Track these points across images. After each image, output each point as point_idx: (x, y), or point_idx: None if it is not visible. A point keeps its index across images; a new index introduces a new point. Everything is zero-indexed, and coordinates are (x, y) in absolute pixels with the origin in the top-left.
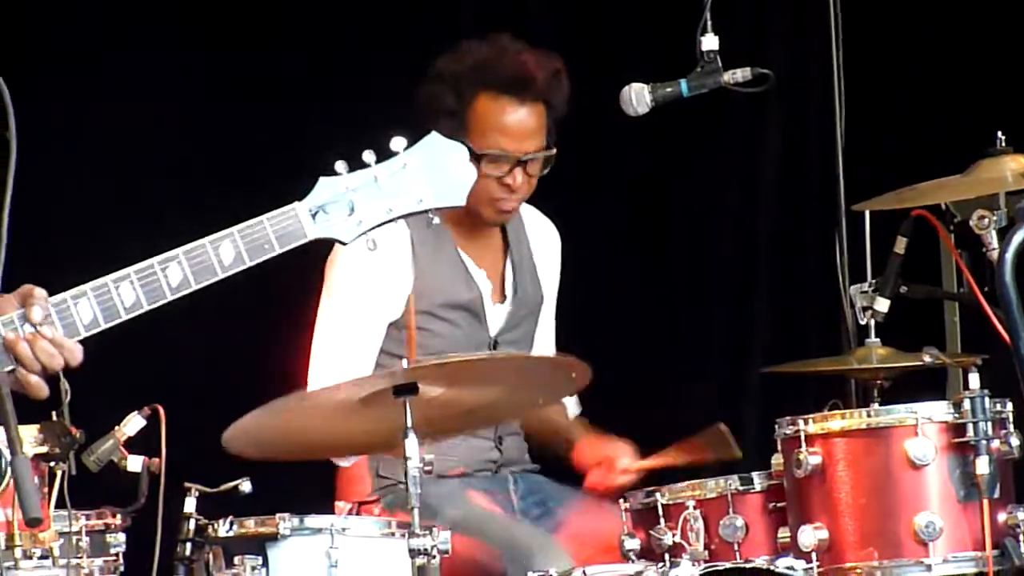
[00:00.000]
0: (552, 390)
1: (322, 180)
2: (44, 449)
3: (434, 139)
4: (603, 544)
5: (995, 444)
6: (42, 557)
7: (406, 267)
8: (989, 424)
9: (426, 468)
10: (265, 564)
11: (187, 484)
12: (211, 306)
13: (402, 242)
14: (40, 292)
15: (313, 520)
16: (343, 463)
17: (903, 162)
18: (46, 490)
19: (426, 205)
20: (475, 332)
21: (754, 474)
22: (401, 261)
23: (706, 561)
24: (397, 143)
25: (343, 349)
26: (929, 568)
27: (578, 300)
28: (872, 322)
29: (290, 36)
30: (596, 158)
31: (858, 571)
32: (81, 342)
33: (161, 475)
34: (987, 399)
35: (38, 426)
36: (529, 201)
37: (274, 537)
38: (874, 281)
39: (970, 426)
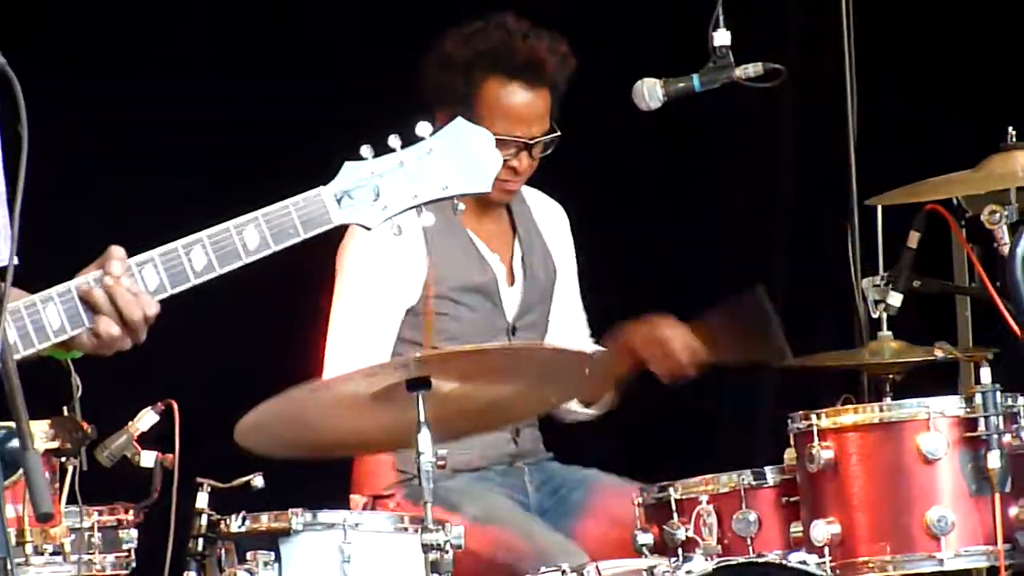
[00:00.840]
0: (570, 384)
1: (347, 164)
2: (55, 444)
3: (460, 124)
4: (615, 522)
5: (1007, 438)
6: (53, 553)
7: (420, 251)
8: (1000, 418)
9: (439, 463)
10: (278, 560)
11: (199, 479)
12: (226, 298)
13: (414, 231)
14: (119, 251)
15: (326, 515)
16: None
17: (915, 157)
18: (57, 485)
19: (452, 191)
20: (492, 316)
21: (767, 468)
22: (415, 245)
23: (719, 556)
24: (423, 128)
25: (359, 336)
26: (941, 562)
27: (592, 293)
28: (884, 316)
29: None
30: (608, 152)
31: (870, 565)
32: None
33: (174, 471)
34: (998, 393)
35: (49, 421)
36: (537, 187)
37: (287, 532)
38: (887, 275)
39: (982, 420)
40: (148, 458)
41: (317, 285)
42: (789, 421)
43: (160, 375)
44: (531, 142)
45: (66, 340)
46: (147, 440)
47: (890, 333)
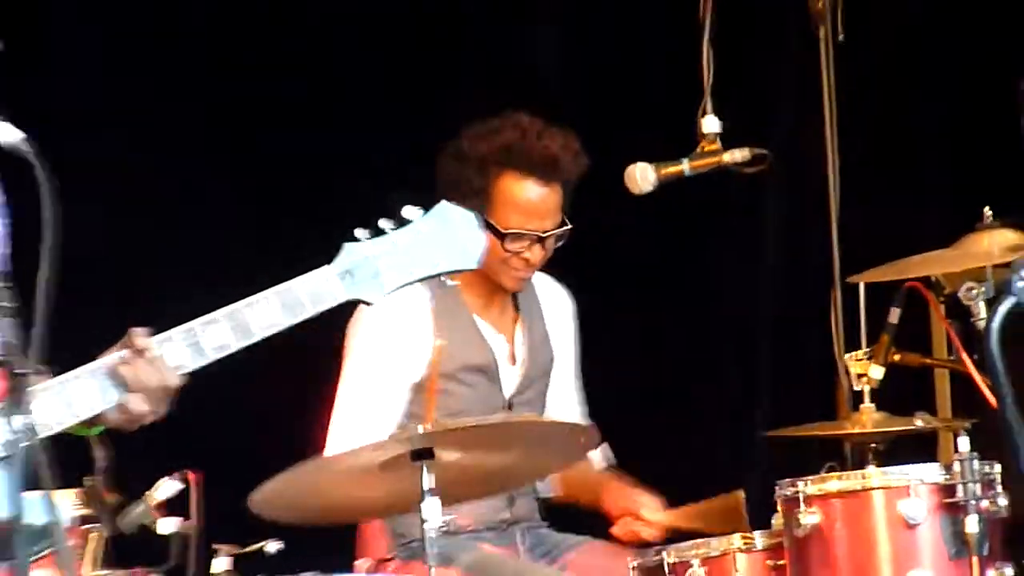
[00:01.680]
0: (563, 454)
1: (346, 246)
2: (86, 512)
3: (445, 207)
4: None
5: (984, 504)
6: None
7: (426, 331)
8: (978, 485)
9: (443, 528)
10: None
11: (215, 545)
12: (242, 372)
13: (422, 308)
14: (142, 331)
15: None
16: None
17: (895, 236)
18: (81, 552)
19: (441, 269)
20: (491, 394)
21: (756, 533)
22: (421, 326)
23: None
24: (410, 212)
25: (363, 412)
26: None
27: (586, 368)
28: (867, 388)
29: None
30: (601, 233)
31: None
32: None
33: (192, 536)
34: (976, 461)
35: (77, 491)
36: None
37: None
38: (868, 349)
39: (960, 487)
40: (166, 525)
41: (331, 361)
42: (776, 488)
43: (181, 445)
44: (544, 235)
45: (93, 417)
46: (171, 505)
47: (872, 405)
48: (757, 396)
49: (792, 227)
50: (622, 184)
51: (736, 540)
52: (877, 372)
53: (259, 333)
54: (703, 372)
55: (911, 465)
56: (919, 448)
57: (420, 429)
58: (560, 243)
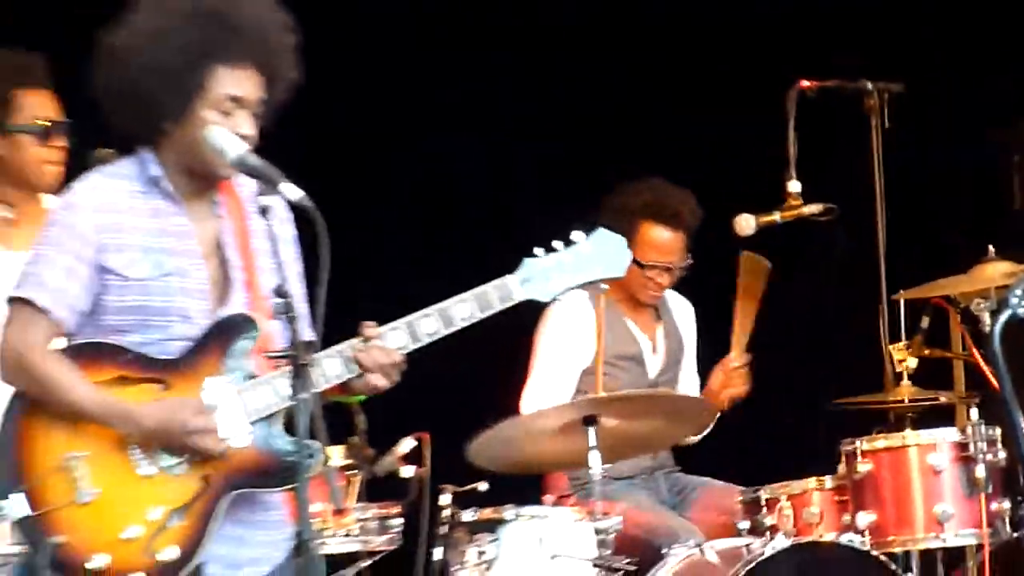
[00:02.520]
0: (691, 424)
1: (526, 260)
2: (347, 462)
3: (602, 232)
4: (722, 519)
5: (989, 457)
6: (344, 535)
7: (592, 331)
8: (985, 443)
9: (604, 475)
10: (496, 540)
11: (440, 486)
12: (459, 351)
13: (590, 314)
14: (372, 323)
15: (528, 509)
16: None
17: (925, 266)
18: (347, 491)
19: (595, 277)
20: (639, 376)
21: (826, 477)
22: (589, 327)
23: (793, 536)
24: (577, 235)
25: (548, 386)
26: (944, 541)
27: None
28: (905, 372)
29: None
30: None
31: (897, 543)
32: None
33: (425, 481)
34: (983, 426)
35: (344, 447)
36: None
37: (502, 521)
38: (906, 343)
39: (972, 444)
40: (406, 471)
41: (520, 346)
42: (840, 445)
43: (415, 413)
44: (671, 267)
45: (345, 387)
46: (408, 458)
47: (909, 383)
48: (827, 376)
49: (852, 259)
50: (731, 229)
51: (812, 482)
52: (912, 361)
53: (460, 324)
54: (790, 359)
55: (937, 428)
56: (942, 416)
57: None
58: (684, 272)
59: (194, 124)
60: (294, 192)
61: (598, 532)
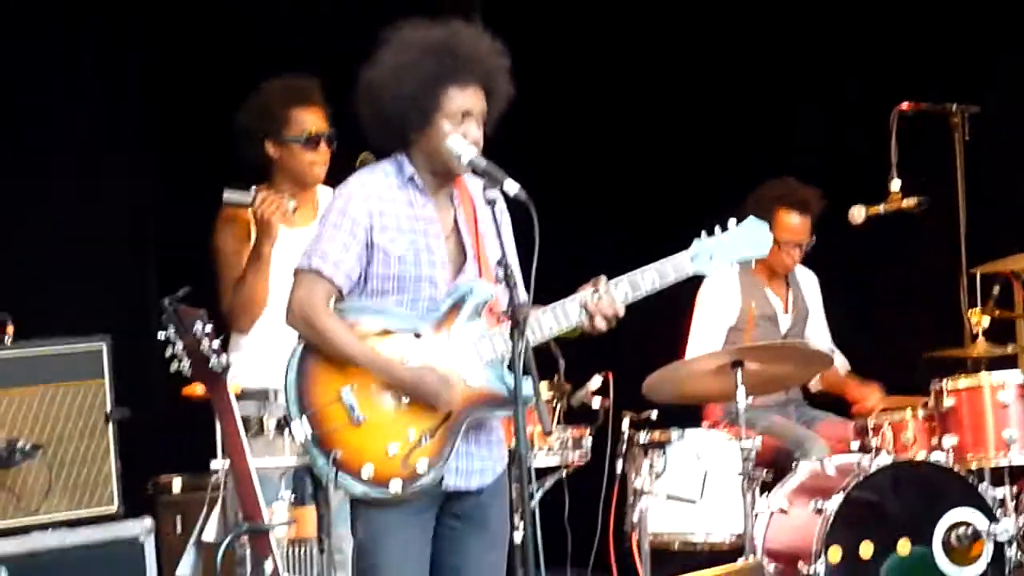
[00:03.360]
0: (814, 367)
1: (695, 241)
2: (549, 395)
3: (751, 220)
4: (838, 441)
5: None
6: (548, 450)
7: (736, 295)
8: None
9: (749, 405)
10: (664, 456)
11: (624, 412)
12: (633, 310)
13: (735, 281)
14: (603, 277)
15: (688, 432)
16: None
17: (997, 244)
18: (550, 417)
19: (746, 256)
20: (773, 332)
21: (919, 408)
22: (734, 292)
23: (893, 454)
24: (732, 222)
25: (704, 339)
26: (1011, 460)
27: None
28: (980, 329)
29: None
30: (831, 242)
31: (973, 460)
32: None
33: (610, 410)
34: None
35: (548, 381)
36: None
37: (669, 441)
38: (981, 308)
39: None
40: (596, 403)
41: (680, 308)
42: (931, 384)
43: (603, 354)
44: (801, 244)
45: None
46: (598, 391)
47: (983, 338)
48: (922, 333)
49: (939, 239)
50: (846, 217)
51: (908, 413)
52: (986, 321)
53: (647, 290)
54: (895, 320)
55: (1005, 371)
56: (1009, 363)
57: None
58: (810, 248)
59: (434, 134)
60: (513, 187)
61: (743, 450)
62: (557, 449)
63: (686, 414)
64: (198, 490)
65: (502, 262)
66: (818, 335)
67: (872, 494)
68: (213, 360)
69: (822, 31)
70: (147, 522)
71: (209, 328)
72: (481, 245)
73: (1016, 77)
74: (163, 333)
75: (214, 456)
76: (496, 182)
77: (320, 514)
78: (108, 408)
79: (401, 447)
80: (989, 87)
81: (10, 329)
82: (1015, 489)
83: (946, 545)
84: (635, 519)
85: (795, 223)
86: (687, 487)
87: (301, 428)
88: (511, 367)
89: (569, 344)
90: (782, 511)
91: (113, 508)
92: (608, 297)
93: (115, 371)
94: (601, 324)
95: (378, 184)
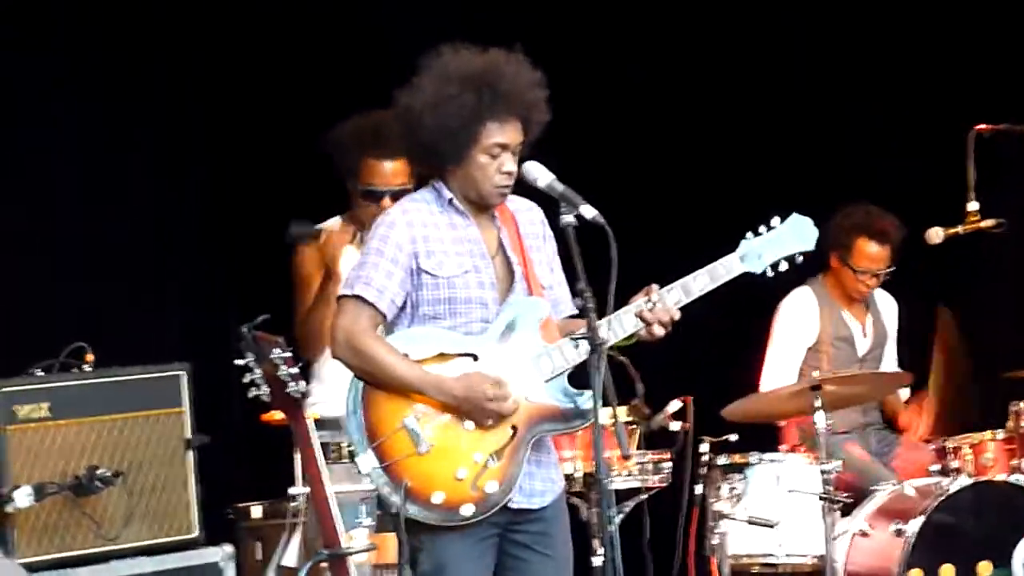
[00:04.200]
0: (886, 390)
1: (743, 241)
2: (630, 419)
3: (796, 216)
4: (917, 465)
5: None
6: (628, 475)
7: (815, 319)
8: None
9: (829, 428)
10: (744, 478)
11: (700, 437)
12: (710, 334)
13: (814, 306)
14: (655, 286)
15: (767, 455)
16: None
17: None
18: (631, 440)
19: (794, 251)
20: (851, 354)
21: (999, 431)
22: (813, 316)
23: (973, 476)
24: (775, 220)
25: (781, 364)
26: None
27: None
28: None
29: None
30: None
31: None
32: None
33: (689, 434)
34: None
35: (627, 407)
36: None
37: (748, 464)
38: None
39: None
40: (675, 426)
41: (752, 333)
42: (1011, 406)
43: (681, 379)
44: (879, 273)
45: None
46: (676, 416)
47: None
48: (1000, 354)
49: (1018, 260)
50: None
51: (988, 435)
52: None
53: (696, 293)
54: (971, 340)
55: None
56: None
57: (816, 375)
58: (889, 278)
59: (470, 165)
60: (590, 211)
61: (823, 473)
62: (637, 473)
63: (764, 437)
64: (278, 516)
65: (577, 290)
66: (890, 361)
67: (952, 516)
68: (291, 386)
69: (900, 49)
70: (227, 548)
71: (287, 355)
72: (529, 263)
73: None
74: (241, 360)
75: (293, 482)
76: (573, 207)
77: (400, 540)
78: (188, 435)
79: (469, 471)
80: None
81: (89, 357)
82: None
83: None
84: (715, 542)
85: (874, 252)
86: (767, 510)
87: (367, 461)
88: (570, 381)
89: (648, 369)
90: (863, 534)
91: (193, 535)
92: (663, 304)
93: (194, 398)
94: (659, 331)
95: (420, 210)
